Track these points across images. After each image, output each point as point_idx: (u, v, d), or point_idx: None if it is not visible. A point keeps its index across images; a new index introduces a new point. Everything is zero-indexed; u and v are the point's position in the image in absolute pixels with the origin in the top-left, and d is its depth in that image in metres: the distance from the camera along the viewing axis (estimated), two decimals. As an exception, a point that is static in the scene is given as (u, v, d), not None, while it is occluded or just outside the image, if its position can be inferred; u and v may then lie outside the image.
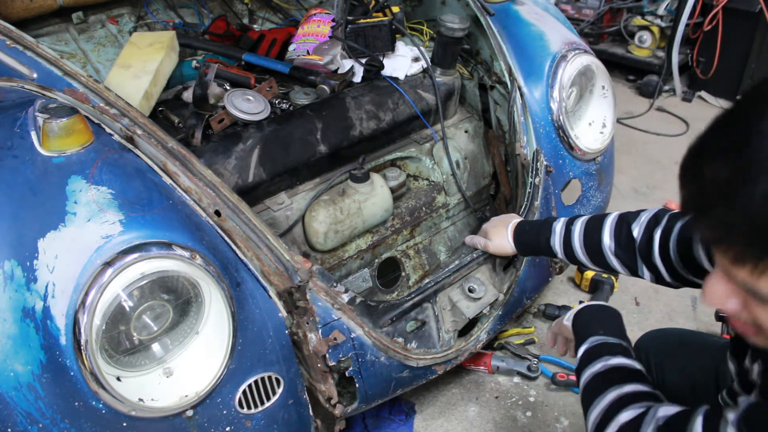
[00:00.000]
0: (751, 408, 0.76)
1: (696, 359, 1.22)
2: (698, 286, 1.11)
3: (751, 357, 0.85)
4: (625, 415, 0.90)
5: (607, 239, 1.23)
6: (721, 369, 1.13)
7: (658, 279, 1.19)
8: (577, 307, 1.20)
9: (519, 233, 1.44)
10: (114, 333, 1.03)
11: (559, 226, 1.34)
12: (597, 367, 1.02)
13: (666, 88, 3.72)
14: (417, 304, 1.45)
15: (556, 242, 1.34)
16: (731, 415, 0.76)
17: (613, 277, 2.16)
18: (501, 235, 1.47)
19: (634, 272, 1.22)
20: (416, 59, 1.83)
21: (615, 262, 1.24)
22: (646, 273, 1.19)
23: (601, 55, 2.90)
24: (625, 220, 1.22)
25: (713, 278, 0.72)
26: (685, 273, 1.11)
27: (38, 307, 0.95)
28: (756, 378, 0.83)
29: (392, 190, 1.68)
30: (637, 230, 1.19)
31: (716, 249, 0.67)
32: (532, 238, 1.40)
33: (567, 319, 1.21)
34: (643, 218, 1.18)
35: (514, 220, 1.49)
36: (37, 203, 1.00)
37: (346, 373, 1.31)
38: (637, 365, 1.01)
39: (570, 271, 2.23)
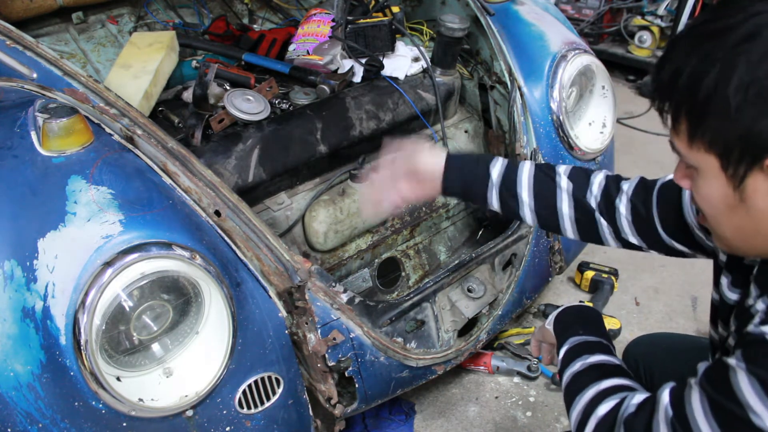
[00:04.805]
0: (711, 366, 0.77)
1: (685, 362, 1.22)
2: (682, 254, 1.09)
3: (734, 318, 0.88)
4: (603, 408, 0.91)
5: (564, 182, 1.15)
6: None
7: (616, 234, 1.15)
8: (557, 310, 1.17)
9: (453, 158, 1.18)
10: (114, 333, 1.03)
11: (501, 158, 1.18)
12: (576, 366, 1.01)
13: (666, 88, 3.71)
14: (416, 304, 1.45)
15: (496, 170, 1.16)
16: (693, 379, 0.78)
17: (613, 277, 2.16)
18: (426, 150, 1.20)
19: (590, 217, 1.15)
20: (416, 59, 1.83)
21: (565, 206, 1.14)
22: (603, 223, 1.15)
23: (601, 55, 2.89)
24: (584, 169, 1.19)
25: (679, 162, 0.81)
26: (669, 238, 1.08)
27: (38, 307, 0.95)
28: (731, 342, 0.86)
29: (392, 190, 1.68)
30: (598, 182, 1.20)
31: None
32: (469, 162, 1.18)
33: (548, 323, 1.18)
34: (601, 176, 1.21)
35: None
36: (37, 203, 1.00)
37: (346, 373, 1.31)
38: (616, 361, 1.01)
39: (570, 271, 2.23)
